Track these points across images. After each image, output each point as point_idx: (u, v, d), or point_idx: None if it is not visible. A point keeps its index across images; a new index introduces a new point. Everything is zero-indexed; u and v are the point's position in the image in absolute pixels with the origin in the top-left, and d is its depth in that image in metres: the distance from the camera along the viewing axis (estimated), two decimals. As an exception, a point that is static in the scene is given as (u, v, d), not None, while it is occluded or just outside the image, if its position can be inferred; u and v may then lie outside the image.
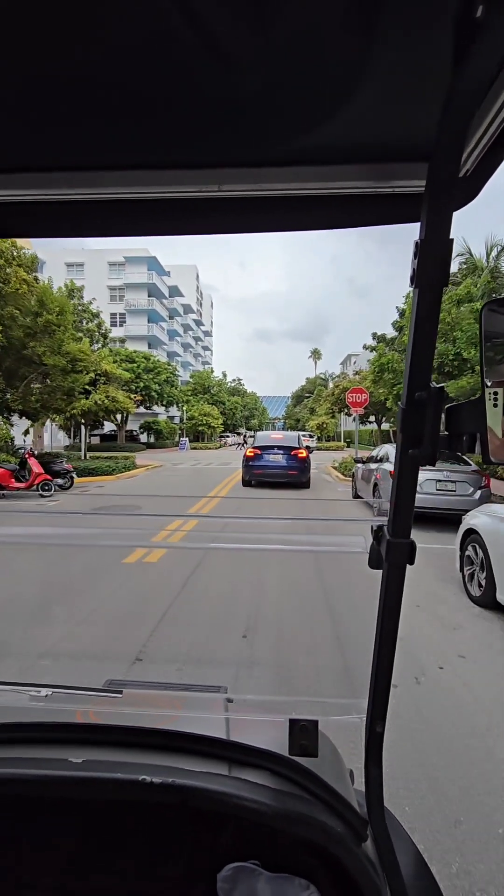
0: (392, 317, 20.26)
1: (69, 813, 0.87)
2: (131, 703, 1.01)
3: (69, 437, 44.11)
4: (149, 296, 50.58)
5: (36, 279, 14.90)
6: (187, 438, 42.01)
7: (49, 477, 12.30)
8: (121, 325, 50.31)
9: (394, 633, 0.75)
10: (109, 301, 50.98)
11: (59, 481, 12.88)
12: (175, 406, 43.68)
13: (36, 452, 14.19)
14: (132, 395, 21.59)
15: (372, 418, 27.67)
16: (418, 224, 0.60)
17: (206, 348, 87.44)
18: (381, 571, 0.74)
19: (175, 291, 59.72)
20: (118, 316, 51.06)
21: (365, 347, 22.60)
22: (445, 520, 8.60)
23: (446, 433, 0.65)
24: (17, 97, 0.56)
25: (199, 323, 76.79)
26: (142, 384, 34.69)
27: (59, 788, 0.81)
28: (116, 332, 48.19)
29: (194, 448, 42.61)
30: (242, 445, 40.41)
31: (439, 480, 8.38)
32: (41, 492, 12.00)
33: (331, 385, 59.85)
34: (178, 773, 0.79)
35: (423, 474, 8.41)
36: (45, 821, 0.87)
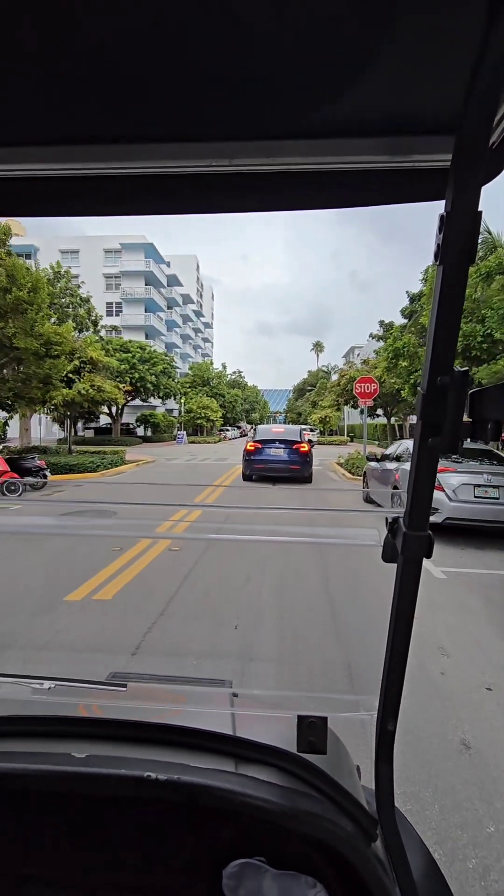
0: (395, 308, 18.73)
1: (73, 807, 0.85)
2: (135, 697, 1.01)
3: (63, 430, 42.76)
4: (146, 284, 48.76)
5: (9, 253, 13.24)
6: (185, 432, 40.35)
7: (16, 475, 10.74)
8: (117, 315, 48.57)
9: (408, 629, 0.73)
10: (105, 289, 49.26)
11: (31, 480, 11.36)
12: (173, 398, 42.06)
13: (19, 447, 12.59)
14: (121, 386, 19.89)
15: (380, 412, 25.92)
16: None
17: (206, 340, 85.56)
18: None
19: (174, 280, 57.88)
20: (114, 305, 49.32)
21: (372, 336, 20.88)
22: (490, 534, 6.99)
23: (470, 420, 0.61)
24: (10, 66, 0.53)
25: (198, 314, 74.90)
26: (137, 375, 33.03)
27: (62, 783, 0.79)
28: (112, 322, 46.53)
29: (192, 442, 40.99)
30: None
31: (478, 485, 6.71)
32: (5, 492, 10.42)
33: (335, 377, 58.35)
34: (183, 770, 0.77)
35: (457, 478, 6.79)
36: (49, 815, 0.86)
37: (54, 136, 0.62)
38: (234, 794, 0.74)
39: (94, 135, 0.62)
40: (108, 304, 49.34)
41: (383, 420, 46.01)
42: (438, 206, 0.57)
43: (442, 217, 0.55)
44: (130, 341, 35.16)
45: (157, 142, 0.62)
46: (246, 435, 41.43)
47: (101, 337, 26.56)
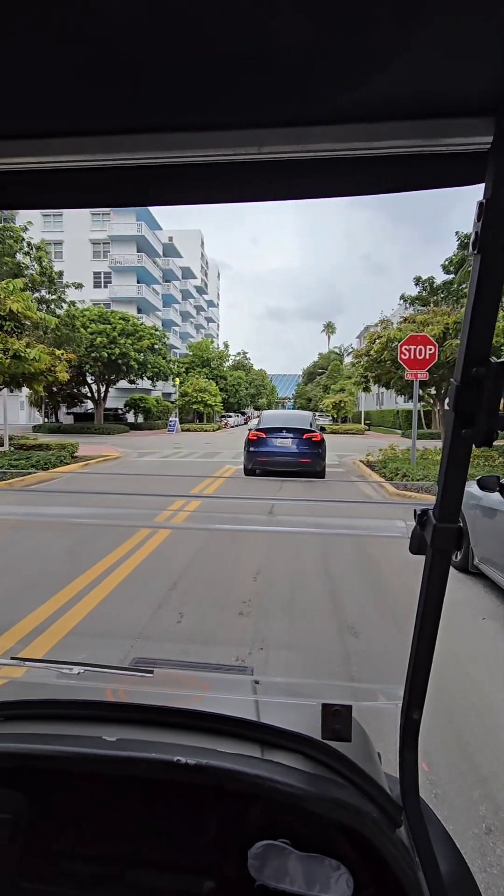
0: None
1: (103, 788, 0.87)
2: (160, 683, 1.03)
3: (43, 415, 37.80)
4: (137, 251, 43.17)
5: None
6: (177, 419, 35.11)
7: None
8: (105, 286, 43.22)
9: (436, 620, 0.73)
10: (92, 258, 43.87)
11: None
12: (168, 380, 36.82)
13: None
14: (61, 354, 14.55)
15: (396, 390, 19.74)
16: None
17: (210, 320, 79.88)
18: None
19: (171, 251, 52.17)
20: (102, 275, 43.93)
21: (404, 299, 15.25)
22: None
23: None
24: (23, 55, 0.51)
25: (200, 290, 69.15)
26: (117, 351, 27.75)
27: (93, 765, 0.82)
28: (100, 294, 41.12)
29: (187, 430, 35.85)
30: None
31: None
32: None
33: (348, 359, 52.48)
34: (211, 755, 0.79)
35: None
36: (81, 794, 0.88)
37: (80, 127, 0.62)
38: (262, 780, 0.77)
39: (123, 126, 0.61)
40: (94, 273, 43.96)
41: (403, 405, 40.64)
42: (464, 191, 0.57)
43: (481, 204, 0.53)
44: (112, 311, 29.85)
45: (186, 131, 0.61)
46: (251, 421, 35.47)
47: (64, 301, 21.10)
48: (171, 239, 50.86)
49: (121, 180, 0.68)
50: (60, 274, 20.94)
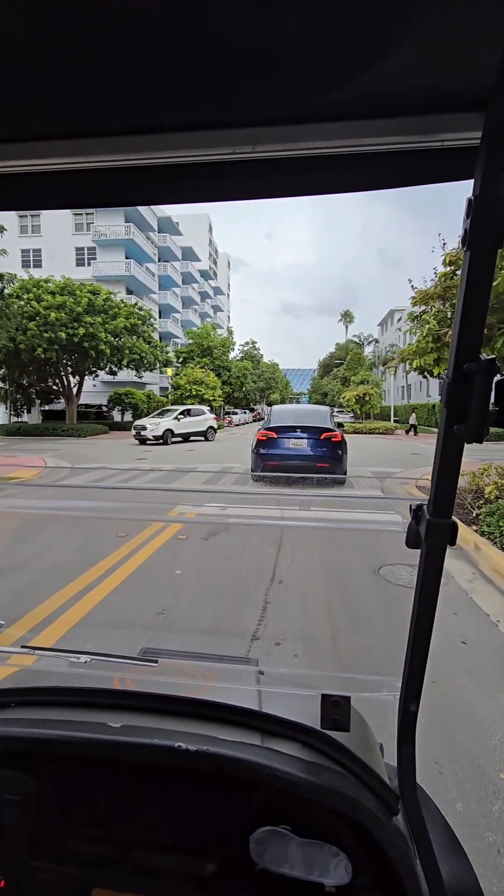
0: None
1: (108, 773, 0.90)
2: (165, 672, 1.05)
3: (10, 413, 32.17)
4: (126, 221, 37.21)
5: None
6: (165, 416, 29.12)
7: None
8: (89, 264, 37.41)
9: (431, 613, 0.74)
10: (74, 231, 38.08)
11: None
12: (154, 370, 30.79)
13: None
14: None
15: (417, 382, 13.30)
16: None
17: (217, 308, 73.76)
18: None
19: (168, 226, 46.14)
20: (85, 251, 38.12)
21: (449, 263, 8.73)
22: None
23: (496, 408, 0.61)
24: (19, 57, 0.52)
25: (206, 275, 63.05)
26: (81, 331, 21.79)
27: (98, 750, 0.84)
28: (83, 273, 35.35)
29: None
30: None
31: None
32: None
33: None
34: (212, 742, 0.81)
35: None
36: (87, 778, 0.91)
37: (75, 129, 0.62)
38: (260, 766, 0.78)
39: (117, 127, 0.62)
40: (77, 249, 38.18)
41: (424, 399, 34.11)
42: (469, 186, 0.56)
43: (470, 201, 0.54)
44: (82, 284, 23.94)
45: (180, 131, 0.61)
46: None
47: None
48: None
49: (117, 180, 0.68)
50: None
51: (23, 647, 1.04)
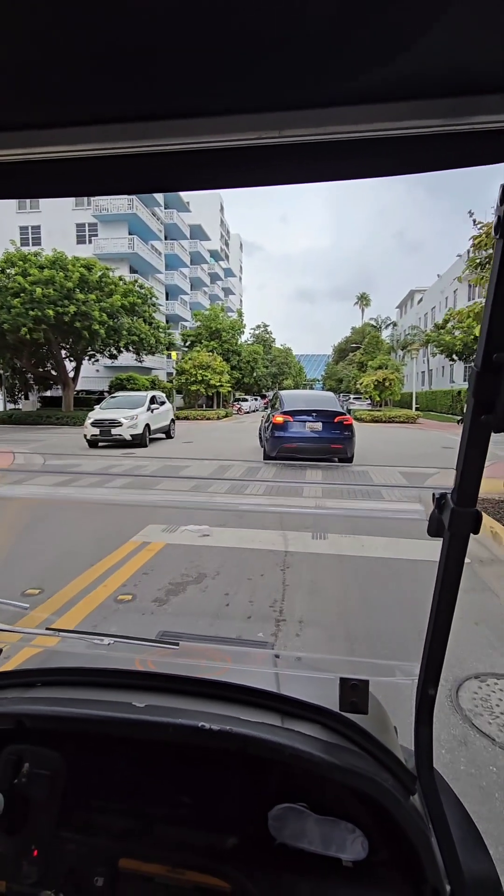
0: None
1: (133, 750, 0.93)
2: (185, 654, 1.06)
3: (4, 399, 30.33)
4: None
5: None
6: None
7: None
8: (90, 241, 35.24)
9: (452, 601, 0.75)
10: (75, 206, 35.89)
11: None
12: (155, 353, 28.65)
13: None
14: None
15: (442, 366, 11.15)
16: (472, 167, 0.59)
17: (228, 291, 71.11)
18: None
19: (175, 202, 43.61)
20: (87, 227, 35.94)
21: (483, 243, 6.54)
22: None
23: None
24: (34, 41, 0.49)
25: (216, 255, 60.37)
26: (72, 309, 19.74)
27: (123, 729, 0.86)
28: (84, 251, 33.14)
29: (185, 418, 27.89)
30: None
31: None
32: None
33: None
34: (234, 722, 0.83)
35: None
36: (112, 755, 0.94)
37: (95, 116, 0.60)
38: (282, 747, 0.80)
39: (137, 113, 0.60)
40: (78, 226, 36.04)
41: (463, 384, 31.40)
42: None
43: (503, 186, 0.53)
44: (75, 258, 21.83)
45: (202, 116, 0.59)
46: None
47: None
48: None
49: (139, 167, 0.66)
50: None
51: (47, 629, 1.07)
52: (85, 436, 14.44)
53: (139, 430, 14.45)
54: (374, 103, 0.56)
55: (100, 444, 14.23)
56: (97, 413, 15.06)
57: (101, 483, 8.70)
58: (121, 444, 14.15)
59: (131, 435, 14.17)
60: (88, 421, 14.61)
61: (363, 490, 7.99)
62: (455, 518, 0.68)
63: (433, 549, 0.76)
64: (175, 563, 4.43)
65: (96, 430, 14.18)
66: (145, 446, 14.53)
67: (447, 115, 0.57)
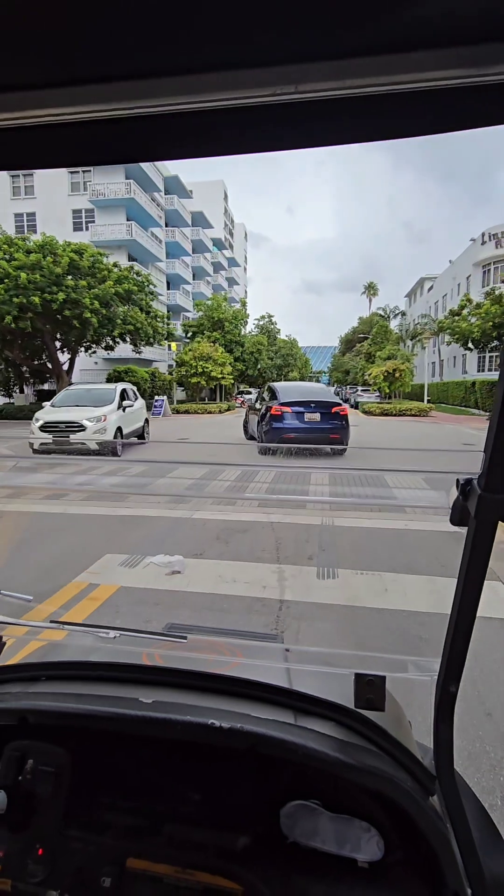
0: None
1: (141, 747, 0.90)
2: (193, 648, 1.05)
3: (4, 394, 29.24)
4: (126, 178, 33.35)
5: None
6: (165, 398, 25.76)
7: None
8: (87, 228, 33.85)
9: (477, 593, 0.72)
10: (71, 191, 34.48)
11: None
12: (154, 344, 27.33)
13: None
14: None
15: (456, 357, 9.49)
16: (484, 140, 0.52)
17: (232, 281, 69.45)
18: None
19: (176, 187, 42.01)
20: (83, 213, 34.54)
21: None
22: None
23: None
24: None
25: (220, 245, 58.73)
26: (61, 296, 18.47)
27: (131, 725, 0.84)
28: (81, 238, 31.81)
29: (185, 411, 26.65)
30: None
31: None
32: None
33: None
34: (245, 720, 0.81)
35: None
36: (119, 752, 0.92)
37: (83, 74, 0.53)
38: (295, 746, 0.78)
39: (131, 70, 0.53)
40: (74, 212, 34.63)
41: (478, 376, 29.69)
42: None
43: None
44: (67, 242, 20.53)
45: (215, 70, 0.51)
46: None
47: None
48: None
49: (135, 132, 0.58)
50: None
51: (52, 621, 1.04)
52: (31, 444, 10.72)
53: (108, 436, 10.93)
54: (398, 53, 0.49)
55: (53, 453, 10.74)
56: (48, 413, 11.28)
57: (64, 494, 7.44)
58: (83, 454, 10.83)
59: (98, 443, 10.72)
60: (35, 424, 10.96)
61: (381, 502, 6.72)
62: (483, 504, 0.64)
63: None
64: (121, 625, 3.19)
65: (47, 437, 10.54)
66: (117, 456, 11.06)
67: (484, 63, 0.49)
